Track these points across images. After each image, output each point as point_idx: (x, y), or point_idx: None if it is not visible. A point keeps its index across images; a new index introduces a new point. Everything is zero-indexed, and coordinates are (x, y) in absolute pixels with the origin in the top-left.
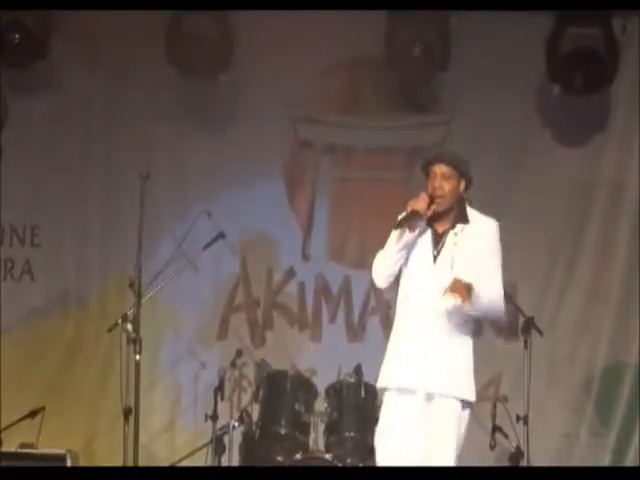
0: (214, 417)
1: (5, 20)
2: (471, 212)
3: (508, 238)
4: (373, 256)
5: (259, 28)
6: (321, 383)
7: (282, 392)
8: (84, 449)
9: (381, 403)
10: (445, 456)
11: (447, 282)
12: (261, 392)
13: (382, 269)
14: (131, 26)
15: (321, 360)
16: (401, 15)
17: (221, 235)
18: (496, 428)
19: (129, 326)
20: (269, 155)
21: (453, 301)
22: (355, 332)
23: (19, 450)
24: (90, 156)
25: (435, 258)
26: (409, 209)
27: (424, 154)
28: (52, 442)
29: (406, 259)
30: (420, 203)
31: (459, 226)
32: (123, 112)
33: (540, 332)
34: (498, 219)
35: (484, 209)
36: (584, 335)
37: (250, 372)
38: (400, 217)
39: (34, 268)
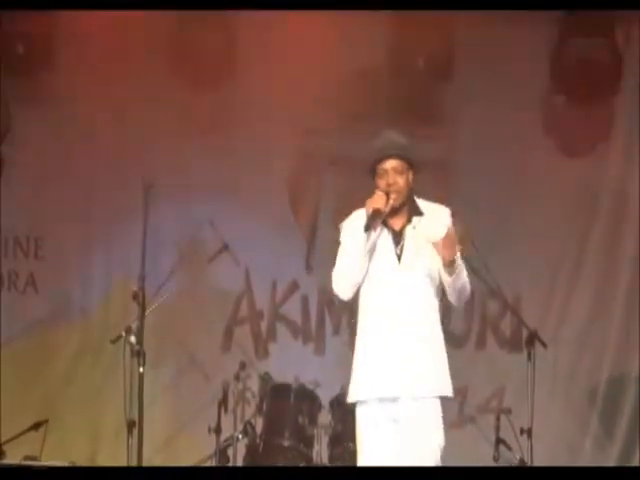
0: (217, 430)
1: (8, 30)
2: (421, 203)
3: (511, 250)
4: None
5: (262, 39)
6: (325, 395)
7: (286, 405)
8: (88, 462)
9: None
10: (435, 455)
11: (414, 281)
12: (265, 405)
13: (348, 278)
14: (133, 35)
15: (325, 372)
16: (404, 26)
17: (225, 247)
18: (500, 440)
19: (132, 338)
20: (272, 166)
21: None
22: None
23: (23, 462)
24: (94, 167)
25: (399, 257)
26: (369, 210)
27: (428, 167)
28: (55, 455)
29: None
30: (379, 201)
31: (415, 219)
32: (127, 122)
33: (544, 344)
34: (501, 231)
35: (487, 220)
36: (588, 347)
37: (254, 384)
38: (365, 221)
39: (38, 280)
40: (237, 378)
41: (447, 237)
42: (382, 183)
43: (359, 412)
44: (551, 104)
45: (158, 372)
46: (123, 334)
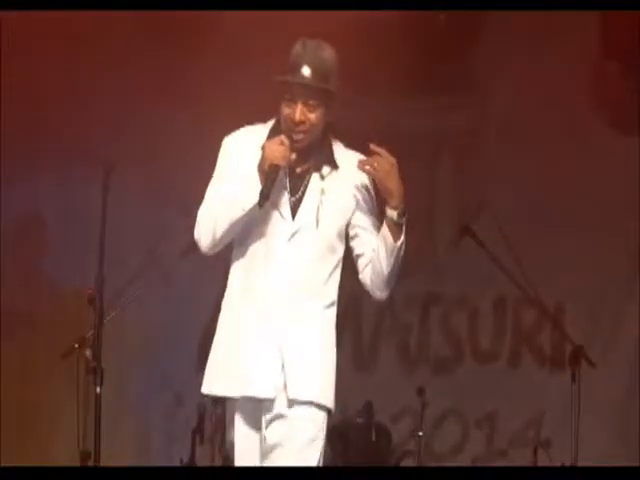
0: (191, 463)
1: None
2: (340, 150)
3: (553, 247)
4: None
5: None
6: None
7: None
8: None
9: (396, 446)
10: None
11: (311, 247)
12: None
13: (215, 232)
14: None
15: None
16: None
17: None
18: None
19: (88, 352)
20: None
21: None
22: (364, 361)
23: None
24: (44, 147)
25: (293, 211)
26: (265, 165)
27: (452, 142)
28: None
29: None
30: (278, 152)
31: (326, 168)
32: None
33: (591, 363)
34: (537, 224)
35: (523, 209)
36: None
37: None
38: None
39: None
40: (215, 401)
41: (393, 169)
42: (286, 117)
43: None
44: (602, 71)
45: (119, 393)
46: (76, 346)
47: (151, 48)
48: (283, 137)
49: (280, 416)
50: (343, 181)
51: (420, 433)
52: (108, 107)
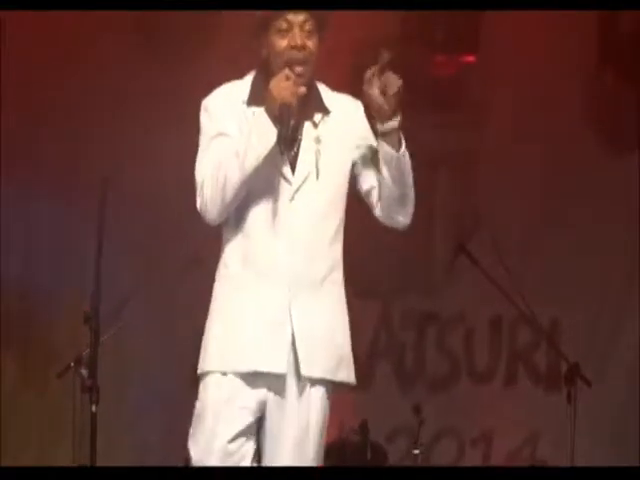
0: None
1: None
2: (327, 94)
3: (548, 266)
4: (389, 284)
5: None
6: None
7: None
8: None
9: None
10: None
11: (315, 202)
12: None
13: (225, 194)
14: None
15: None
16: None
17: (200, 258)
18: None
19: (84, 371)
20: None
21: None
22: (360, 379)
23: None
24: (40, 161)
25: (292, 164)
26: (276, 105)
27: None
28: None
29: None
30: (286, 89)
31: (317, 115)
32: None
33: (587, 382)
34: (535, 242)
35: (519, 229)
36: None
37: None
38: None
39: None
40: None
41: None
42: (279, 44)
43: (217, 382)
44: (599, 88)
45: (115, 411)
46: (72, 365)
47: (147, 60)
48: (287, 71)
49: (291, 394)
50: (337, 126)
51: (416, 451)
52: (105, 118)
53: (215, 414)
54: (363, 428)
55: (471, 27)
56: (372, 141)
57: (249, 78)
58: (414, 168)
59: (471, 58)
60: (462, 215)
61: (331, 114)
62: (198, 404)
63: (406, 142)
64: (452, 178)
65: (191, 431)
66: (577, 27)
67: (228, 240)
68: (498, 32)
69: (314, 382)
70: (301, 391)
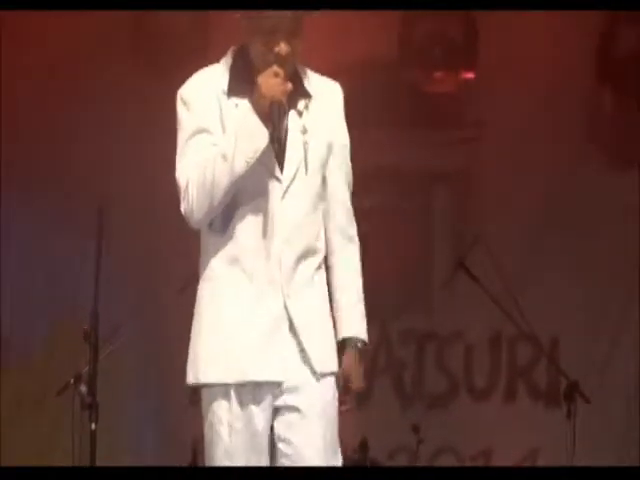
0: None
1: None
2: (306, 75)
3: (547, 284)
4: (383, 303)
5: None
6: None
7: None
8: None
9: None
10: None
11: (305, 198)
12: None
13: (213, 197)
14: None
15: None
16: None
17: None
18: None
19: (83, 388)
20: None
21: None
22: (359, 397)
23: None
24: (39, 181)
25: (280, 160)
26: (266, 103)
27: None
28: None
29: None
30: (276, 86)
31: (301, 102)
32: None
33: (586, 399)
34: (534, 260)
35: (518, 247)
36: None
37: None
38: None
39: None
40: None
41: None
42: (262, 46)
43: (211, 396)
44: (598, 104)
45: (114, 429)
46: (72, 382)
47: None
48: (276, 68)
49: (307, 388)
50: (319, 113)
51: None
52: (99, 142)
53: (230, 431)
54: (363, 446)
55: (470, 44)
56: (343, 138)
57: (225, 63)
58: (413, 185)
59: (470, 75)
60: (461, 232)
61: (312, 99)
62: (209, 419)
63: (405, 160)
64: (451, 195)
65: (206, 453)
66: (576, 45)
67: (211, 241)
68: (497, 49)
69: (325, 374)
70: (316, 384)
